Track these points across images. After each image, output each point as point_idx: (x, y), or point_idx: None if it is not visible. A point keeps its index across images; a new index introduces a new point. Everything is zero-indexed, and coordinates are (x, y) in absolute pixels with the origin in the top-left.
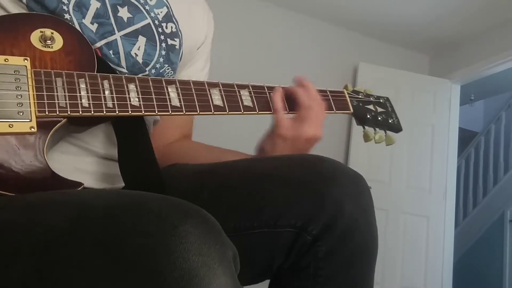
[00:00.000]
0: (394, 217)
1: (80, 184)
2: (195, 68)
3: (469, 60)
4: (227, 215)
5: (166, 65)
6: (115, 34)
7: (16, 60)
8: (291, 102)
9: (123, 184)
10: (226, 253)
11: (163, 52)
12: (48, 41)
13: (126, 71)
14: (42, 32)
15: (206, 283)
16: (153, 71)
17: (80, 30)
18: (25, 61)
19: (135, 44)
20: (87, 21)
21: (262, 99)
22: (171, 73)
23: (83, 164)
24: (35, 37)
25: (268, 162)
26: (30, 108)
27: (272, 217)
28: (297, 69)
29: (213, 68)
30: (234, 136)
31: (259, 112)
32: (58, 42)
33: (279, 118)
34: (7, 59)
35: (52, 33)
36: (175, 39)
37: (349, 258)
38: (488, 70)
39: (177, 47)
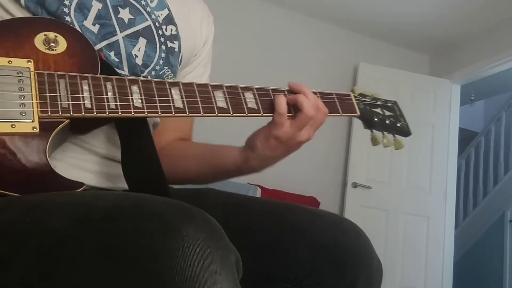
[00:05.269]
0: (394, 217)
1: (81, 184)
2: (194, 74)
3: (469, 60)
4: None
5: (166, 67)
6: (117, 35)
7: (20, 62)
8: (295, 108)
9: (124, 185)
10: (228, 258)
11: (163, 54)
12: (51, 44)
13: (127, 73)
14: (45, 35)
15: None
16: (152, 73)
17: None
18: (29, 63)
19: (135, 46)
20: (88, 22)
21: (267, 101)
22: (171, 75)
23: (85, 163)
24: (38, 40)
25: (299, 214)
26: (33, 108)
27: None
28: (297, 69)
29: (213, 68)
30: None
31: (264, 114)
32: (62, 45)
33: (281, 121)
34: (10, 61)
35: (56, 36)
36: (175, 41)
37: None
38: (488, 70)
39: (176, 50)
